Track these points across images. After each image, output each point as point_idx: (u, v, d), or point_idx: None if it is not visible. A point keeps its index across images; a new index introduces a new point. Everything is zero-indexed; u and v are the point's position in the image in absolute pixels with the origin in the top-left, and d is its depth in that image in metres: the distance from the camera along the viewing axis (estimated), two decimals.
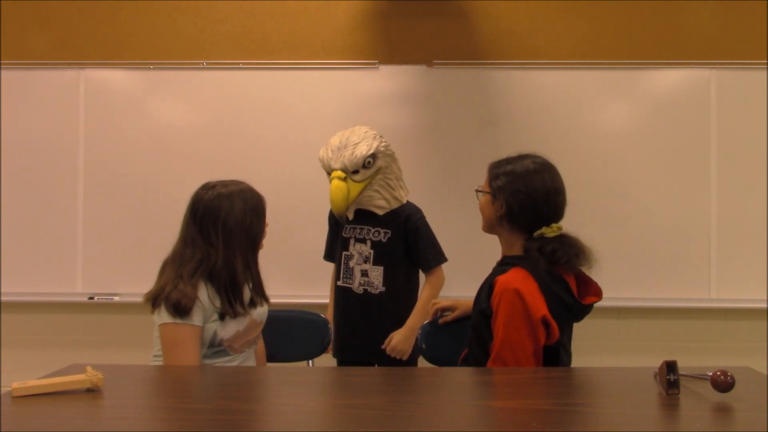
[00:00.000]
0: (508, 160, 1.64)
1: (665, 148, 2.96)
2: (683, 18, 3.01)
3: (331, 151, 2.09)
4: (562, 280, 1.51)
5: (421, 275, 2.29)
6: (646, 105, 2.98)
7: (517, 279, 1.48)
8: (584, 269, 1.55)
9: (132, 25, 3.08)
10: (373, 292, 2.17)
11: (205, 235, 1.64)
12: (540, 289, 1.47)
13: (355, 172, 2.07)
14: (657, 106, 2.97)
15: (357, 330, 2.19)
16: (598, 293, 1.57)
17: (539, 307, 1.44)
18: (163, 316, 1.58)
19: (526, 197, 1.56)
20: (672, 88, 2.98)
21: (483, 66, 3.01)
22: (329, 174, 2.10)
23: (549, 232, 1.55)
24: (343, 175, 2.05)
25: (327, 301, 2.36)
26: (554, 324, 1.45)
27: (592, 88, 2.99)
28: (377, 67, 3.02)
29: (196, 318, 1.58)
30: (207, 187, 1.70)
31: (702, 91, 2.96)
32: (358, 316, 2.19)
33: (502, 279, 1.50)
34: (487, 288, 1.54)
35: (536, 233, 1.56)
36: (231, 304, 1.63)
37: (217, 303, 1.62)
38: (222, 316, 1.62)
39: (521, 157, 1.64)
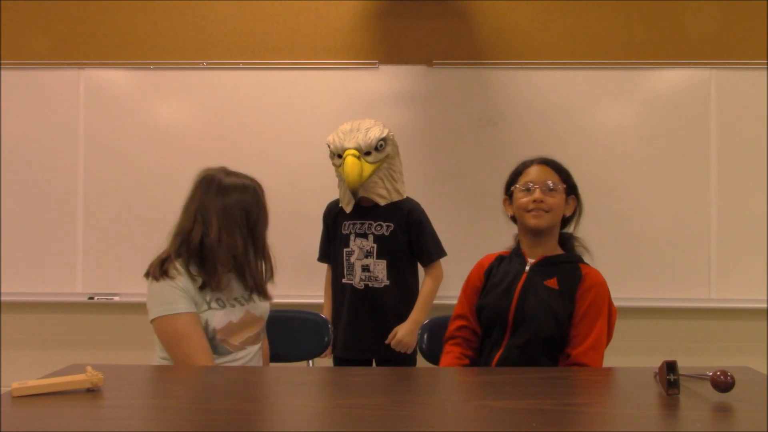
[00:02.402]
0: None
1: (665, 148, 2.96)
2: (683, 18, 3.01)
3: (342, 133, 2.13)
4: None
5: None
6: (646, 105, 2.98)
7: (600, 275, 1.62)
8: None
9: (132, 25, 3.07)
10: (377, 286, 2.17)
11: (202, 212, 1.63)
12: None
13: (368, 153, 2.11)
14: (657, 106, 2.97)
15: (363, 326, 2.20)
16: None
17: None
18: (151, 307, 1.59)
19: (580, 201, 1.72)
20: (672, 88, 2.98)
21: (483, 66, 3.01)
22: (339, 156, 2.12)
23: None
24: (357, 153, 2.08)
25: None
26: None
27: (592, 88, 2.99)
28: (377, 67, 3.02)
29: (183, 304, 1.57)
30: (219, 169, 1.72)
31: (702, 91, 2.96)
32: (363, 312, 2.19)
33: (593, 270, 1.61)
34: (573, 276, 1.60)
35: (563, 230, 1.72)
36: (209, 275, 1.61)
37: (197, 279, 1.61)
38: (203, 287, 1.60)
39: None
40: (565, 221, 1.72)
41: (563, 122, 2.97)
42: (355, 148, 2.08)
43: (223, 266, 1.63)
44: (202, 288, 1.61)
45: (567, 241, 1.69)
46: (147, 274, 1.63)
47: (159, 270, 1.60)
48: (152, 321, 1.60)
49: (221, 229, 1.62)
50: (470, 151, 2.97)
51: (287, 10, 3.05)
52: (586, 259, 1.67)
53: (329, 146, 2.16)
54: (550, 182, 1.63)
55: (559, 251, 1.67)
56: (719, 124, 2.95)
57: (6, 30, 3.08)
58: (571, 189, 1.67)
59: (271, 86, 3.02)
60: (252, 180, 1.74)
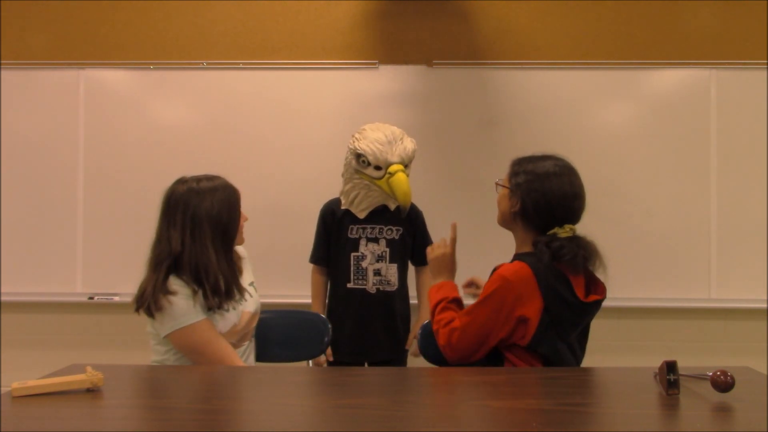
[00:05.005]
0: (531, 159, 1.64)
1: (665, 148, 2.96)
2: (683, 18, 3.01)
3: (381, 144, 2.05)
4: (564, 277, 1.51)
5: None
6: (646, 105, 2.98)
7: (512, 269, 1.51)
8: (595, 272, 1.58)
9: (132, 25, 3.07)
10: (389, 290, 2.18)
11: (172, 229, 1.61)
12: (538, 283, 1.48)
13: (405, 166, 2.09)
14: (657, 106, 2.97)
15: (375, 329, 2.19)
16: (601, 291, 1.58)
17: (524, 303, 1.47)
18: (162, 323, 1.56)
19: (541, 197, 1.56)
20: (672, 88, 2.98)
21: (483, 66, 3.01)
22: (377, 168, 2.07)
23: (561, 232, 1.56)
24: (403, 167, 2.06)
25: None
26: (533, 325, 1.47)
27: (592, 88, 2.99)
28: (377, 67, 3.02)
29: (196, 313, 1.57)
30: (180, 182, 1.71)
31: (702, 91, 2.96)
32: (375, 316, 2.19)
33: (501, 267, 1.54)
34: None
35: (549, 232, 1.57)
36: (209, 296, 1.59)
37: (200, 297, 1.59)
38: (209, 309, 1.59)
39: (544, 158, 1.64)
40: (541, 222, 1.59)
41: (563, 122, 2.97)
42: (400, 163, 2.05)
43: (210, 284, 1.61)
44: (208, 309, 1.60)
45: (536, 240, 1.59)
46: (141, 308, 1.59)
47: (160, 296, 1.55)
48: (167, 336, 1.57)
49: (196, 243, 1.60)
50: (470, 151, 2.97)
51: (287, 10, 3.05)
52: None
53: (366, 155, 2.06)
54: (498, 180, 1.69)
55: (525, 249, 1.61)
56: (719, 124, 2.95)
57: (6, 30, 3.08)
58: (515, 186, 1.61)
59: (271, 86, 3.02)
60: (217, 183, 1.71)
